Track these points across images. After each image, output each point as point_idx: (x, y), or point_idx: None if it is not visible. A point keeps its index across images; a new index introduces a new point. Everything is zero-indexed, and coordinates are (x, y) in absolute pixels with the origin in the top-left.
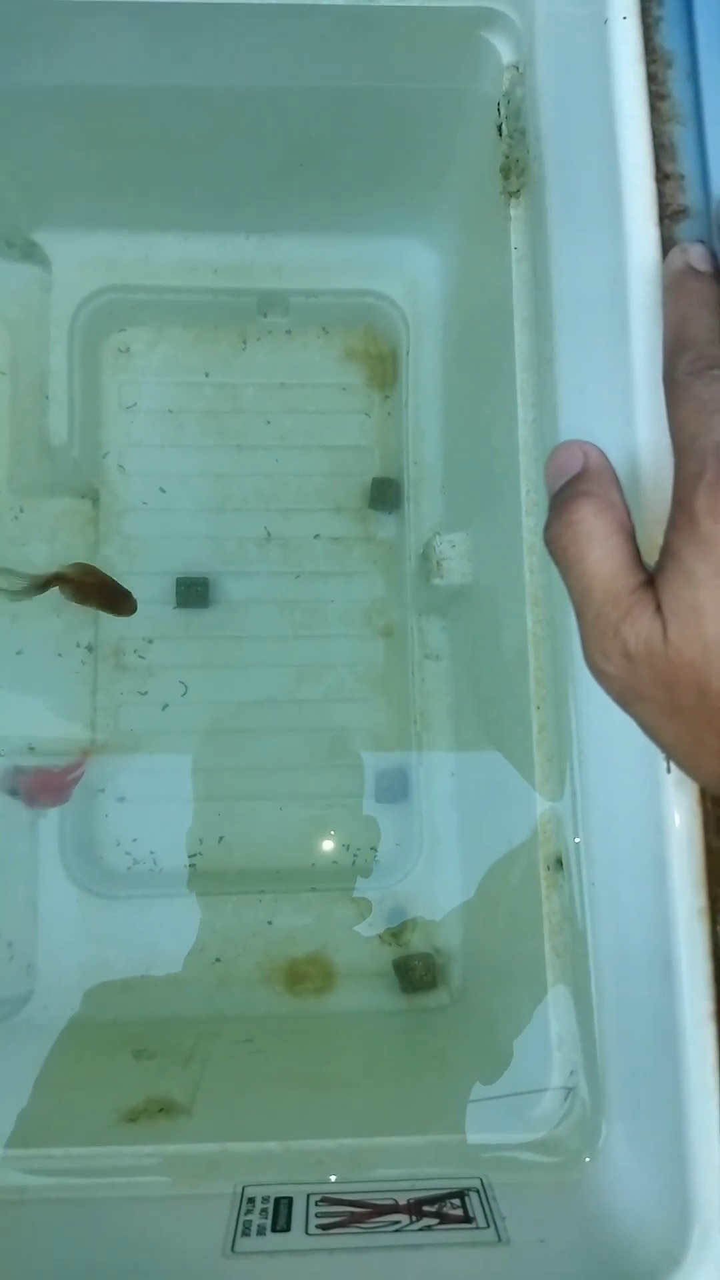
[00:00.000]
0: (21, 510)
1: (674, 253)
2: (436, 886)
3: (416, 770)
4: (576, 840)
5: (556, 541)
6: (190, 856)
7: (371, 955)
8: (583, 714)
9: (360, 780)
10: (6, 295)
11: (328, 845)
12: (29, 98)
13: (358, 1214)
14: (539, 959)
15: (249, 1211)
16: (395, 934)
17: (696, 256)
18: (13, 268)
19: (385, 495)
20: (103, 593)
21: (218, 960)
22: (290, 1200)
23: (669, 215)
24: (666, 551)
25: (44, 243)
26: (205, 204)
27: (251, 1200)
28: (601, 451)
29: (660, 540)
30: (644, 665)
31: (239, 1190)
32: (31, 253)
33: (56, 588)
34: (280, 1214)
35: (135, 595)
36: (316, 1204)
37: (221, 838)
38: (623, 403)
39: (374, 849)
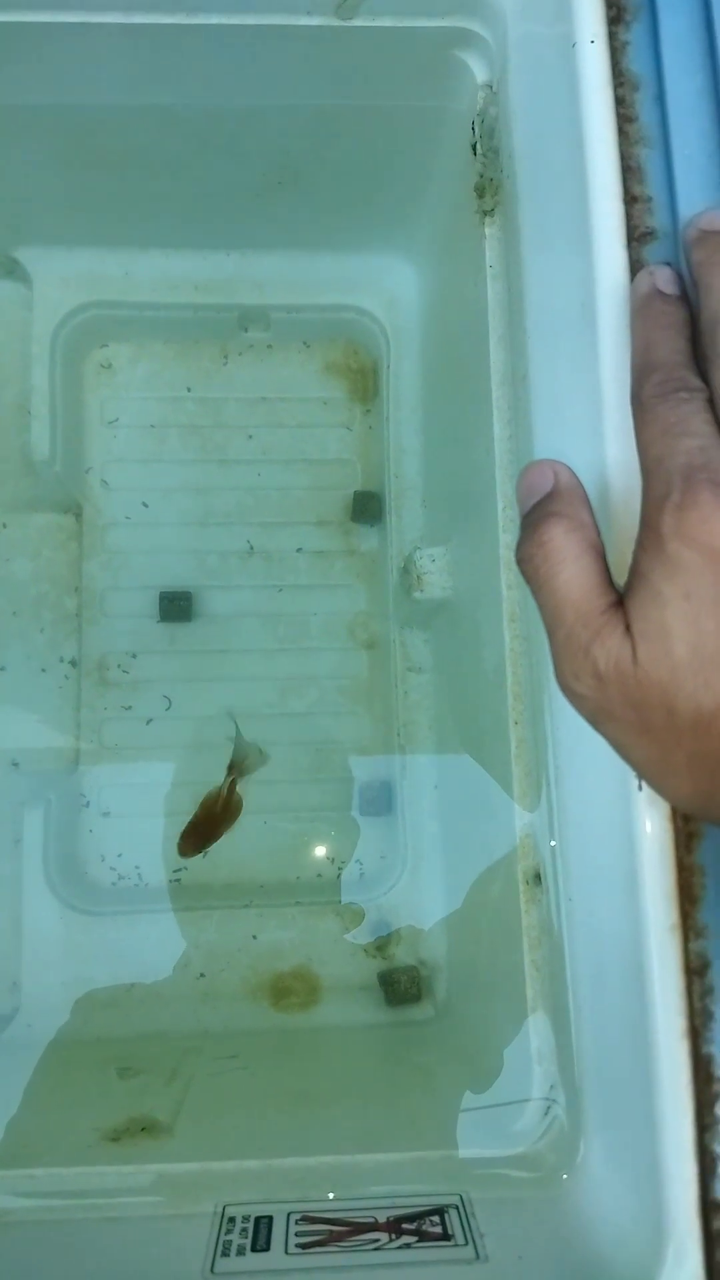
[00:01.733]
0: (4, 526)
1: (641, 275)
2: (421, 899)
3: (400, 783)
4: (553, 844)
5: (528, 562)
6: (174, 871)
7: (356, 968)
8: (558, 730)
9: (344, 793)
10: None
11: (312, 858)
12: (8, 116)
13: (337, 1232)
14: (519, 973)
15: (229, 1231)
16: (380, 947)
17: (664, 279)
18: None
19: (367, 508)
20: (219, 821)
21: (202, 975)
22: (270, 1219)
23: (637, 237)
24: (635, 572)
25: (25, 260)
26: (186, 221)
27: (232, 1220)
28: (572, 471)
29: (630, 559)
30: (614, 685)
31: (220, 1210)
32: (12, 270)
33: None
34: (260, 1233)
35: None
36: (296, 1223)
37: (205, 852)
38: (593, 421)
39: (359, 862)
